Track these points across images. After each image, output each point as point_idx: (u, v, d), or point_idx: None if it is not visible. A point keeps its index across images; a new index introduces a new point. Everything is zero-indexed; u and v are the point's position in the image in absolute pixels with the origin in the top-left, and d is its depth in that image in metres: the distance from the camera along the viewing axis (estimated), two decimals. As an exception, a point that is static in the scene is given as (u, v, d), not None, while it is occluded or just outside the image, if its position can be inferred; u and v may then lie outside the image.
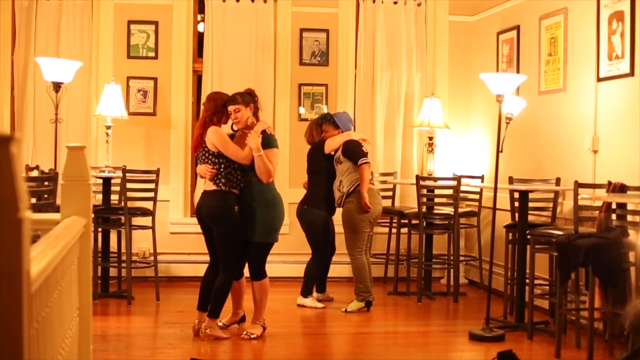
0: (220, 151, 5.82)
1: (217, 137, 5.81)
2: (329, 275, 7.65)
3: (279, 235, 6.05)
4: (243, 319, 6.28)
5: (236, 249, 5.88)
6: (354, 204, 7.02)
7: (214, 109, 5.90)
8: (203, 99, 8.11)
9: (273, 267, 8.42)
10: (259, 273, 6.00)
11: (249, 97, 5.97)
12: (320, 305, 7.25)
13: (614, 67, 6.24)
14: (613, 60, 6.25)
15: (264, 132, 5.89)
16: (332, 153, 7.19)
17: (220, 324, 6.17)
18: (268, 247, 6.00)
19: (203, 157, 5.90)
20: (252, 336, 5.96)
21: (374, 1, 8.75)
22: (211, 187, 5.88)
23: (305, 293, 7.31)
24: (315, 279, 7.38)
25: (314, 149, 7.32)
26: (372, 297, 7.18)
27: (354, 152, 7.04)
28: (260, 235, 5.90)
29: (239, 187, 5.90)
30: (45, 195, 6.20)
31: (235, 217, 5.85)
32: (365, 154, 7.04)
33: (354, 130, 7.57)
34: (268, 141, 5.87)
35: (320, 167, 7.26)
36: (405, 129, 8.77)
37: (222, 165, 5.84)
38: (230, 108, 5.90)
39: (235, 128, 6.05)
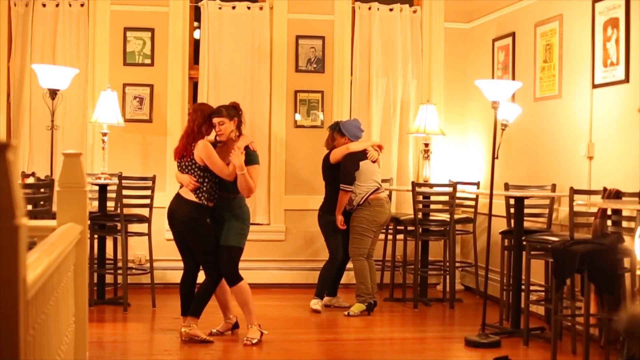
0: (207, 165, 5.92)
1: (205, 152, 5.92)
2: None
3: (245, 242, 6.13)
4: (236, 325, 6.31)
5: (214, 252, 6.00)
6: (364, 211, 7.21)
7: (202, 119, 6.01)
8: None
9: (269, 273, 8.46)
10: (233, 278, 6.04)
11: (233, 111, 6.09)
12: (318, 308, 7.27)
13: (609, 73, 6.26)
14: (608, 66, 6.27)
15: (246, 148, 6.00)
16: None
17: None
18: (237, 250, 6.07)
19: (187, 167, 6.00)
20: (254, 341, 6.00)
21: (369, 8, 8.77)
22: (188, 195, 5.98)
23: (315, 295, 7.40)
24: (327, 281, 7.42)
25: (324, 159, 7.48)
26: (374, 300, 7.25)
27: (343, 173, 7.23)
28: (230, 240, 6.01)
29: (215, 201, 6.05)
30: (42, 202, 6.19)
31: (208, 227, 6.01)
32: (349, 180, 7.18)
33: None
34: (250, 158, 6.00)
35: (328, 177, 7.44)
36: (401, 135, 8.78)
37: (206, 180, 5.97)
38: (215, 120, 6.01)
39: (220, 140, 6.13)
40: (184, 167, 6.03)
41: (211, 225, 6.01)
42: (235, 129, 6.08)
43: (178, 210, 6.03)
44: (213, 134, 6.14)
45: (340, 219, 7.19)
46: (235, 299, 6.12)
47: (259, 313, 6.63)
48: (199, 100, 8.34)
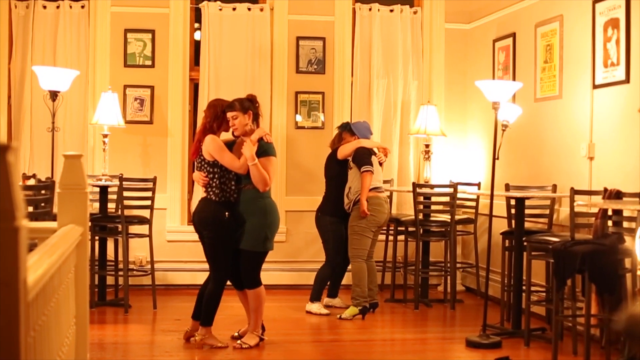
0: (216, 160, 5.80)
1: (213, 145, 5.79)
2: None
3: (272, 243, 5.96)
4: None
5: (225, 257, 5.84)
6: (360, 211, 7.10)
7: (214, 115, 5.87)
8: (200, 107, 8.18)
9: (270, 274, 8.44)
10: (251, 282, 5.90)
11: (248, 103, 5.91)
12: (325, 311, 7.26)
13: (610, 74, 6.26)
14: (608, 67, 6.27)
15: (260, 140, 5.83)
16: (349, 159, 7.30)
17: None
18: (258, 255, 5.90)
19: (200, 165, 5.90)
20: (245, 346, 5.90)
21: (370, 9, 8.78)
22: (205, 194, 5.92)
23: (313, 299, 7.34)
24: (324, 284, 7.40)
25: (330, 155, 7.45)
26: (369, 303, 7.19)
27: (360, 159, 7.14)
28: (248, 243, 5.83)
29: (232, 197, 5.88)
30: (42, 204, 6.19)
31: (225, 224, 5.82)
32: (369, 163, 7.10)
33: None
34: (264, 149, 5.81)
35: (332, 172, 7.39)
36: (401, 136, 8.78)
37: (216, 175, 5.82)
38: (229, 115, 5.84)
39: (235, 134, 6.01)
40: (197, 165, 5.94)
41: (229, 224, 5.83)
42: (252, 122, 5.89)
43: (197, 211, 5.98)
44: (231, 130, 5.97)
45: (364, 203, 7.01)
46: (249, 301, 6.00)
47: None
48: (200, 102, 8.35)
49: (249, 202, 5.85)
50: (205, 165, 5.85)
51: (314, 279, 7.42)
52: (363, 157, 7.14)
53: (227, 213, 5.85)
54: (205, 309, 5.94)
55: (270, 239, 5.90)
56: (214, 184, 5.83)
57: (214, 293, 5.91)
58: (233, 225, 5.86)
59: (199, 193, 6.18)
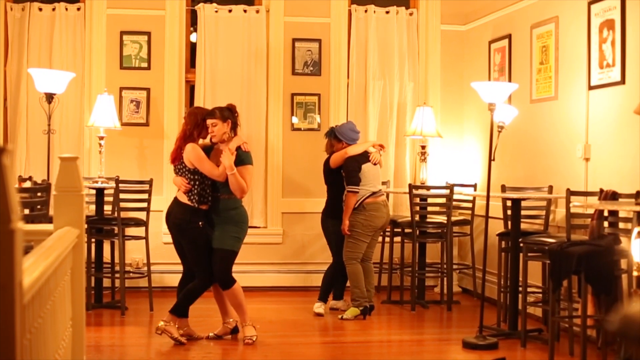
0: (196, 168, 5.98)
1: (193, 154, 5.98)
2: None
3: (240, 245, 6.13)
4: (236, 330, 6.27)
5: (206, 256, 6.05)
6: (359, 216, 7.10)
7: (194, 123, 6.08)
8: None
9: (267, 276, 8.47)
10: (225, 281, 6.05)
11: (227, 112, 6.12)
12: (322, 312, 7.24)
13: (605, 75, 6.27)
14: (604, 68, 6.28)
15: (238, 148, 6.02)
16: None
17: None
18: (232, 254, 6.08)
19: (180, 171, 6.09)
20: (254, 339, 6.04)
21: (366, 11, 8.78)
22: (183, 198, 6.07)
23: (321, 299, 7.36)
24: (331, 285, 7.40)
25: (325, 163, 7.42)
26: (369, 302, 7.18)
27: (347, 174, 7.14)
28: (223, 242, 6.02)
29: (208, 203, 6.09)
30: (38, 206, 6.19)
31: (200, 230, 6.03)
32: (355, 181, 7.09)
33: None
34: (241, 158, 6.01)
35: (330, 180, 7.38)
36: (397, 138, 8.78)
37: (197, 182, 6.03)
38: (208, 122, 6.05)
39: (213, 141, 6.16)
40: (177, 170, 6.12)
41: (204, 228, 6.04)
42: (230, 131, 6.09)
43: (172, 213, 6.13)
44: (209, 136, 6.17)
45: (346, 223, 7.07)
46: (228, 301, 6.13)
47: (257, 316, 6.64)
48: (196, 104, 8.34)
49: (222, 211, 6.08)
50: (187, 172, 6.04)
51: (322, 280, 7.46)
52: (350, 173, 7.12)
53: (201, 223, 6.04)
54: (183, 299, 6.13)
55: (240, 240, 6.13)
56: (195, 190, 6.03)
57: (198, 289, 6.11)
58: (207, 229, 6.08)
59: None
